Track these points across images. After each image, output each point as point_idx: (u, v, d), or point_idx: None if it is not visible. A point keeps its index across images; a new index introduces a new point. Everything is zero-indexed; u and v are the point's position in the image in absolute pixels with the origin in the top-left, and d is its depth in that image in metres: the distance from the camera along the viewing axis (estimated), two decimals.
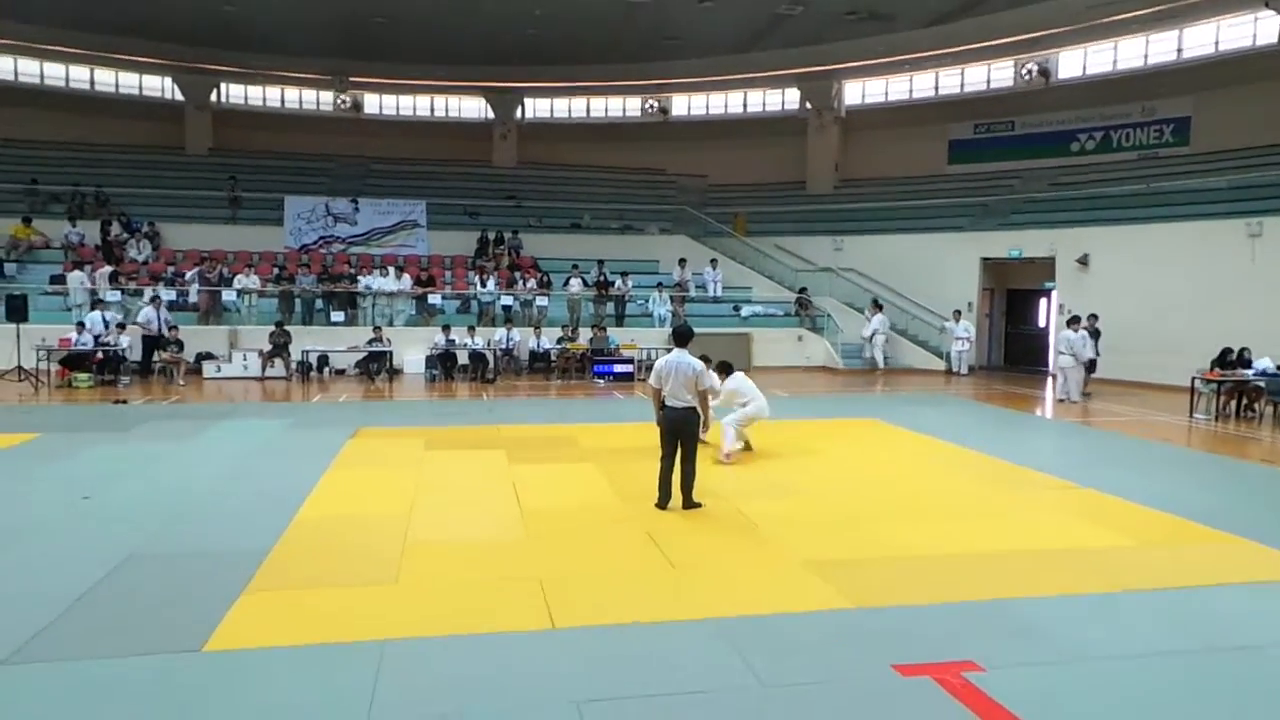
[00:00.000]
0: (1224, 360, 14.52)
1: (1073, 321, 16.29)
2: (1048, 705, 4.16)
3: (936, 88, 27.44)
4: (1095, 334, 16.80)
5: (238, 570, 5.87)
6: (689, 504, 7.68)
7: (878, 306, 21.83)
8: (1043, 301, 23.02)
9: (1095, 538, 7.05)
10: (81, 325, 16.81)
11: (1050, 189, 23.90)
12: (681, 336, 7.91)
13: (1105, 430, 13.00)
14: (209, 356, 18.08)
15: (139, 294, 19.31)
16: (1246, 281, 17.43)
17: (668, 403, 7.63)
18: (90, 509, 7.53)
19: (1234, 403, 14.51)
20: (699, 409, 7.69)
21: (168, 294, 18.86)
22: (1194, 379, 14.47)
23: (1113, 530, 7.26)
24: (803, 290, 23.38)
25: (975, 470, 9.78)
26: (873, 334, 21.41)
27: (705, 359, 9.96)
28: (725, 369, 10.43)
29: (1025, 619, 5.26)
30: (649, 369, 8.75)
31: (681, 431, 7.61)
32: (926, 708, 4.14)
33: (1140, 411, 14.96)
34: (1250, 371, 14.29)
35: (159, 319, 17.53)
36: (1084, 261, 20.23)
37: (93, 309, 17.93)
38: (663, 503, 7.70)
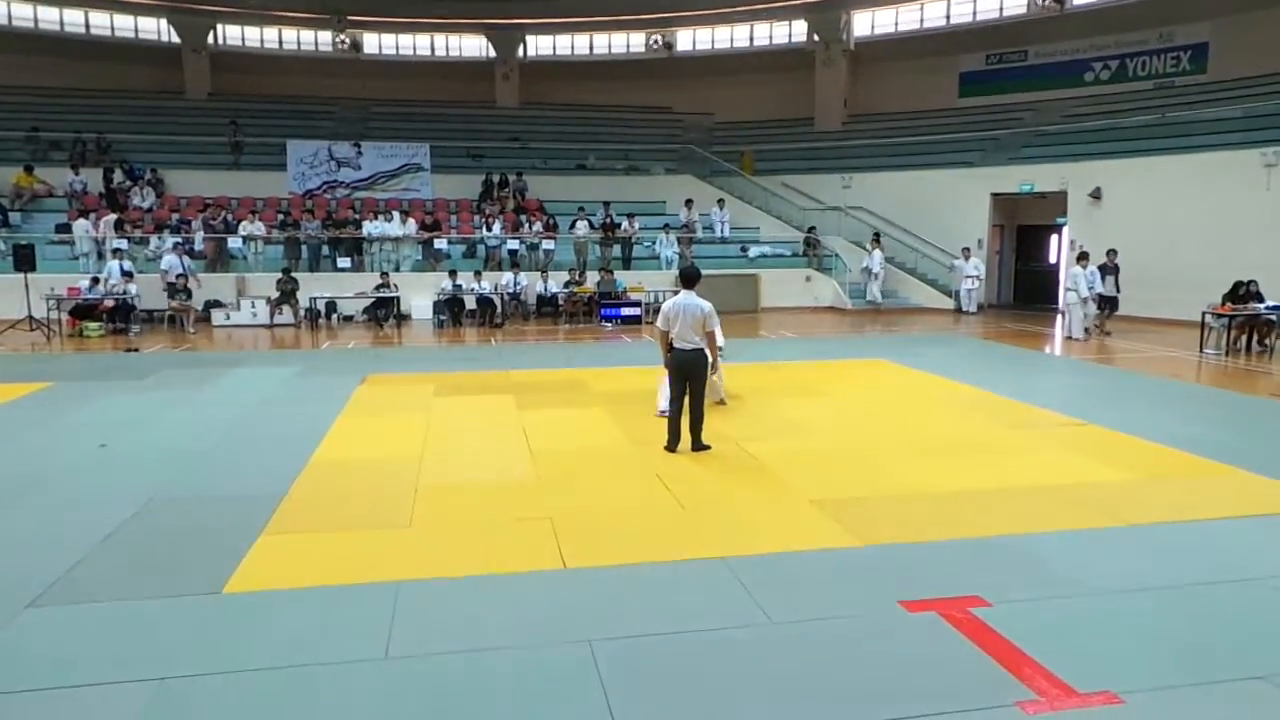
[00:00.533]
0: (1235, 293, 14.40)
1: (1082, 258, 16.13)
2: (1052, 638, 4.23)
3: (948, 16, 26.76)
4: (1115, 270, 16.61)
5: (255, 514, 5.98)
6: (698, 446, 7.73)
7: (877, 241, 21.65)
8: (1053, 237, 22.77)
9: (1102, 473, 7.09)
10: (97, 280, 16.76)
11: (1063, 121, 23.45)
12: (689, 278, 7.89)
13: (1114, 367, 12.98)
14: (217, 304, 18.11)
15: (144, 242, 19.27)
16: (1261, 213, 17.18)
17: (676, 345, 7.63)
18: (107, 456, 7.65)
19: (1245, 337, 14.44)
20: (707, 351, 7.69)
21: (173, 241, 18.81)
22: (1204, 314, 14.39)
23: (1119, 466, 7.30)
24: (811, 230, 23.15)
25: (983, 408, 9.80)
26: (876, 269, 21.25)
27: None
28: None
29: (1031, 554, 5.33)
30: (657, 311, 8.70)
31: (690, 373, 7.63)
32: (933, 642, 4.22)
33: (1151, 347, 14.90)
34: (1263, 305, 14.19)
35: (184, 266, 17.53)
36: (1096, 195, 19.96)
37: (100, 259, 17.90)
38: (672, 445, 7.76)
